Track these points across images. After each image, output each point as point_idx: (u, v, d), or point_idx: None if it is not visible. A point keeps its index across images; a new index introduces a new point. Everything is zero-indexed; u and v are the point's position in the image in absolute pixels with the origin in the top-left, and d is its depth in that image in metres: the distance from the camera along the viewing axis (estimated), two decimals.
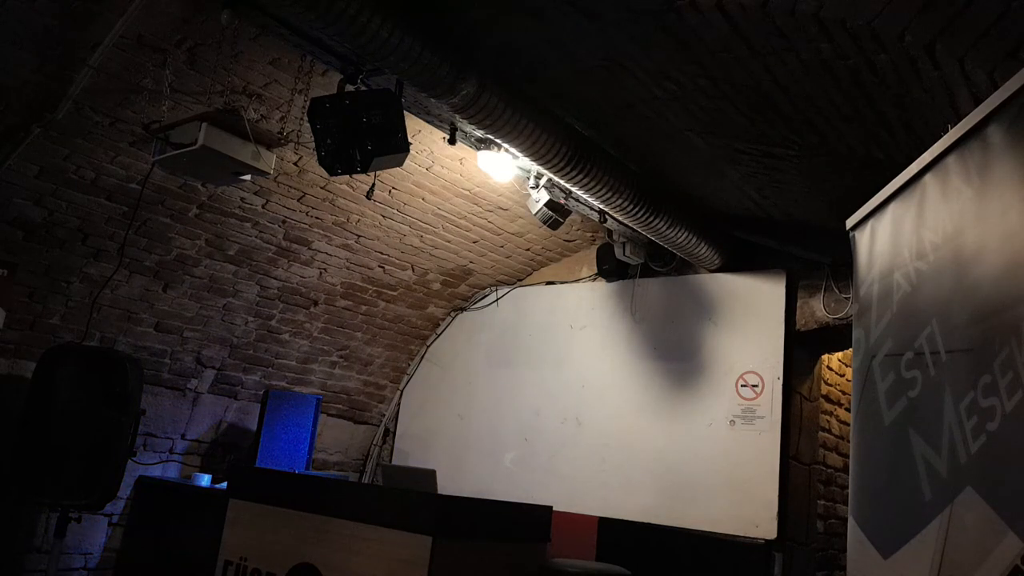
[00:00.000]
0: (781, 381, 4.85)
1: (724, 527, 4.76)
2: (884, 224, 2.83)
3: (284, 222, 4.87)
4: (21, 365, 4.43)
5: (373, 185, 4.28)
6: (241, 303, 5.20)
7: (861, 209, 3.04)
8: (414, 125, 4.04)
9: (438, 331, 6.42)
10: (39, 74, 3.53)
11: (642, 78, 3.28)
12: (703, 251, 4.88)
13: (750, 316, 5.08)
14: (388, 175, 4.68)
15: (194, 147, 3.54)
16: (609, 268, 5.59)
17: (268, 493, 3.92)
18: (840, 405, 5.97)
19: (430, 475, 4.41)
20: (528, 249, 5.83)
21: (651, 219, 4.38)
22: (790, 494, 4.74)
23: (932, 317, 2.33)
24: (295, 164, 4.46)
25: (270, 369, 5.64)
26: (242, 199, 4.59)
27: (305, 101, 3.72)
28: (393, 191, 4.88)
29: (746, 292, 5.13)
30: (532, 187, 4.56)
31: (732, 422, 4.94)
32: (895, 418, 2.55)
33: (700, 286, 5.32)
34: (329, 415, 6.08)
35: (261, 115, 4.02)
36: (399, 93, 3.50)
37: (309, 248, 5.14)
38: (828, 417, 5.75)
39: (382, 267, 5.57)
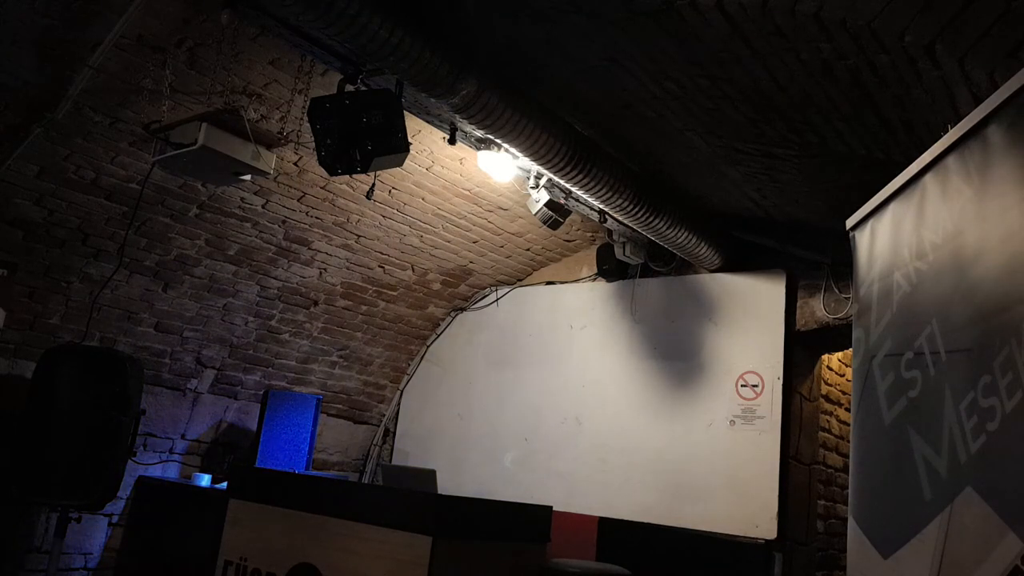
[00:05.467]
0: (781, 381, 4.85)
1: (724, 527, 4.76)
2: (884, 224, 2.83)
3: (284, 222, 4.87)
4: (21, 365, 4.43)
5: (373, 185, 4.28)
6: (241, 303, 5.20)
7: (861, 209, 3.04)
8: (414, 125, 4.04)
9: (438, 331, 6.42)
10: (39, 74, 3.53)
11: (642, 78, 3.28)
12: (703, 251, 4.88)
13: (750, 316, 5.08)
14: (388, 175, 4.68)
15: (194, 147, 3.55)
16: (609, 268, 5.59)
17: (268, 493, 3.92)
18: (840, 405, 5.97)
19: (430, 475, 4.41)
20: (528, 249, 5.83)
21: (651, 219, 4.38)
22: (790, 494, 4.74)
23: (932, 317, 2.33)
24: (295, 164, 4.46)
25: (270, 369, 5.64)
26: (242, 199, 4.59)
27: (305, 101, 3.72)
28: (393, 191, 4.88)
29: (746, 292, 5.13)
30: (532, 187, 4.55)
31: (732, 422, 4.94)
32: (895, 418, 2.55)
33: (700, 286, 5.32)
34: (329, 415, 6.08)
35: (261, 115, 4.01)
36: (399, 93, 3.50)
37: (309, 248, 5.14)
38: (828, 417, 5.75)
39: (382, 267, 5.57)
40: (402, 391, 6.49)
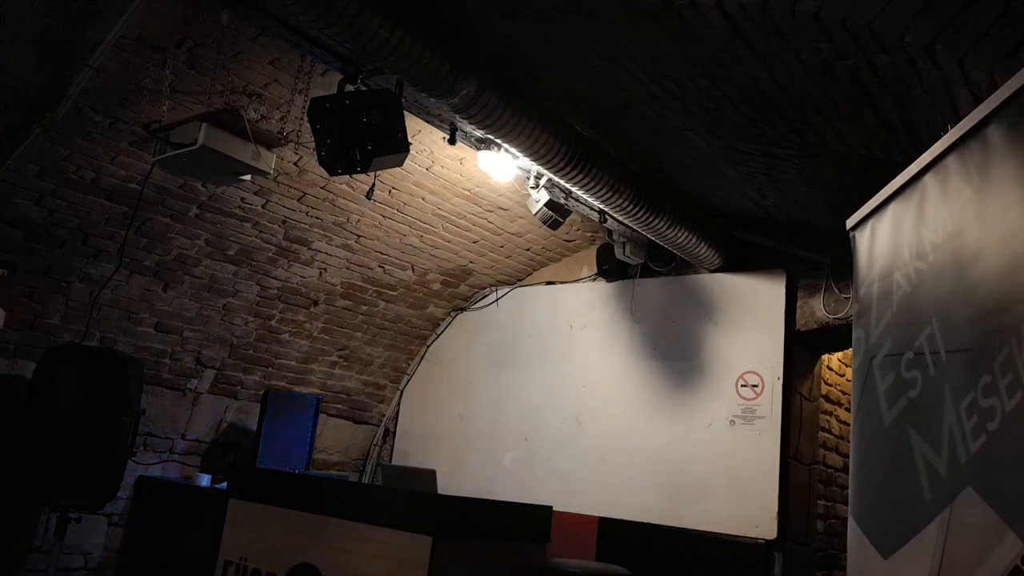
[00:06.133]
0: (781, 381, 4.85)
1: (724, 527, 4.76)
2: (884, 224, 2.83)
3: (284, 222, 4.87)
4: (21, 365, 4.43)
5: (373, 185, 4.28)
6: (241, 303, 5.20)
7: (861, 209, 3.04)
8: (414, 125, 4.04)
9: (438, 331, 6.42)
10: (39, 74, 3.53)
11: (642, 78, 3.28)
12: (703, 251, 4.88)
13: (750, 316, 5.08)
14: (388, 175, 4.68)
15: (194, 147, 3.55)
16: (609, 268, 5.59)
17: (268, 493, 3.92)
18: (840, 405, 5.97)
19: (430, 475, 4.42)
20: (528, 249, 5.83)
21: (651, 219, 4.38)
22: (790, 494, 4.74)
23: (932, 317, 2.33)
24: (295, 164, 4.46)
25: (270, 369, 5.64)
26: (242, 199, 4.59)
27: (305, 101, 3.72)
28: (393, 191, 4.88)
29: (746, 292, 5.13)
30: (532, 187, 4.55)
31: (732, 422, 4.94)
32: (895, 418, 2.55)
33: (700, 286, 5.32)
34: (329, 415, 6.08)
35: (261, 115, 4.01)
36: (399, 93, 3.50)
37: (309, 248, 5.14)
38: (828, 417, 5.75)
39: (382, 267, 5.57)
40: (402, 391, 6.49)
